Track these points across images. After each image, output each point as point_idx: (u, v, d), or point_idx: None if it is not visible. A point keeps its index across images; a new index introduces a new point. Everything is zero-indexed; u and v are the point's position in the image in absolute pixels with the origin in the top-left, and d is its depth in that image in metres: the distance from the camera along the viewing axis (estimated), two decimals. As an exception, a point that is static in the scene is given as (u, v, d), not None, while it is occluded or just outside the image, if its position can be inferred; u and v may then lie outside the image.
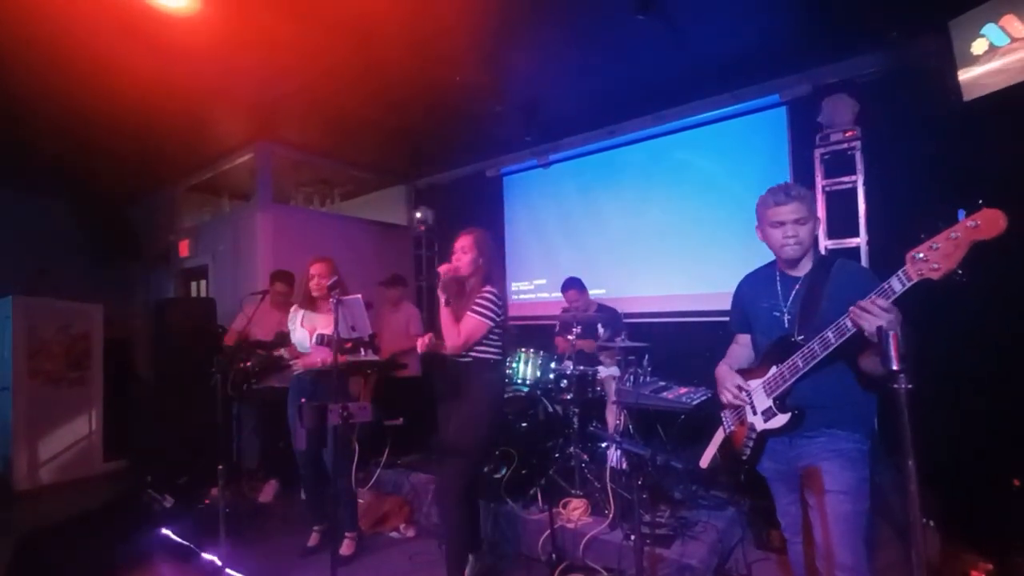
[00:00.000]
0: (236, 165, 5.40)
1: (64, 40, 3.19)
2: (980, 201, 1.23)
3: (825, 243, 3.55)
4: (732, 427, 1.89)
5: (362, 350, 2.62)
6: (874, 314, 1.39)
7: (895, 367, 0.96)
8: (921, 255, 1.32)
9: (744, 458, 1.81)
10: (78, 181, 5.81)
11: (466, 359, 2.49)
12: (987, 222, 1.23)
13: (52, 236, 6.18)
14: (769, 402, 1.72)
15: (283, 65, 3.63)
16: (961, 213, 1.29)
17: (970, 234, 1.25)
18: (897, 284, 1.40)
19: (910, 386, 0.95)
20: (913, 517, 0.92)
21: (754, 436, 1.78)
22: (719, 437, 1.94)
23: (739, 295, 1.98)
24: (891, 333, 0.96)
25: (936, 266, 1.29)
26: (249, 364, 3.78)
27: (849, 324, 1.49)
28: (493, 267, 2.57)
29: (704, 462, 1.96)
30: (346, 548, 3.07)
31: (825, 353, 1.56)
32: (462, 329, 2.42)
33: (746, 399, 1.79)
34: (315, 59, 3.55)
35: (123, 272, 6.68)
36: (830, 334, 1.54)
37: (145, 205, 6.61)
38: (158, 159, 5.32)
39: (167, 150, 5.10)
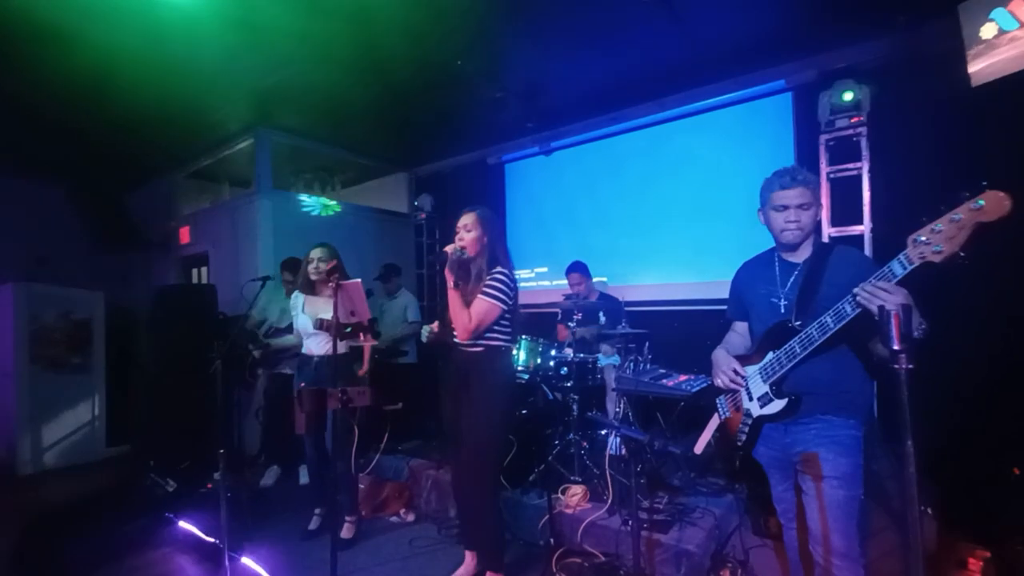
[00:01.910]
0: (236, 151, 5.38)
1: (63, 24, 3.16)
2: (984, 183, 1.20)
3: (829, 230, 3.52)
4: (728, 413, 1.89)
5: (361, 335, 2.61)
6: (881, 297, 1.37)
7: (896, 347, 0.95)
8: (923, 238, 1.29)
9: (739, 444, 1.81)
10: (78, 168, 5.80)
11: (475, 348, 2.35)
12: (991, 204, 1.20)
13: (53, 223, 6.17)
14: (766, 388, 1.72)
15: (282, 50, 3.59)
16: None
17: (974, 216, 1.22)
18: (898, 267, 1.38)
19: (911, 366, 0.94)
20: (910, 498, 0.92)
21: (750, 422, 1.78)
22: (714, 423, 1.93)
23: (737, 282, 1.97)
24: (892, 312, 0.95)
25: (938, 249, 1.26)
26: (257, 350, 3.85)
27: (848, 309, 1.47)
28: (498, 247, 2.41)
29: (699, 448, 1.96)
30: (346, 532, 3.09)
31: (823, 338, 1.55)
32: (473, 313, 2.26)
33: (741, 383, 1.78)
34: (314, 44, 3.52)
35: (124, 259, 6.68)
36: (828, 319, 1.53)
37: (145, 192, 6.59)
38: (158, 145, 5.30)
39: (166, 136, 5.07)
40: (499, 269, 2.33)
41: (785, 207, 1.70)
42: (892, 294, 1.36)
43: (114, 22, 3.15)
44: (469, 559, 2.58)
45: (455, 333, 2.36)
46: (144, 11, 3.05)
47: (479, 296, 2.29)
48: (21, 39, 3.30)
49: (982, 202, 1.20)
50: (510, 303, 2.32)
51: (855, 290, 1.44)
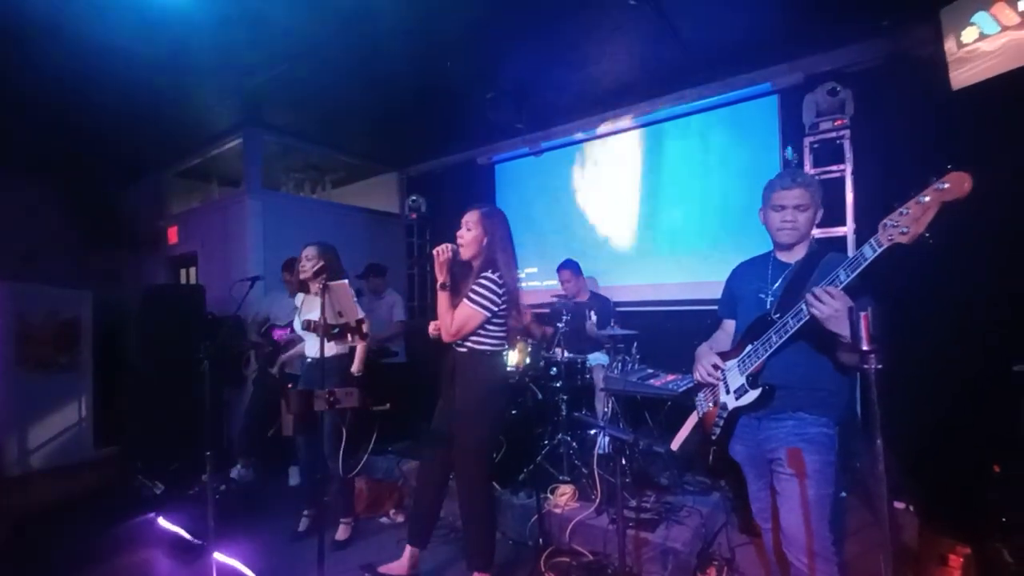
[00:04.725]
0: (225, 150, 5.34)
1: (50, 21, 3.13)
2: (949, 166, 1.27)
3: (813, 232, 3.54)
4: (707, 407, 1.91)
5: (349, 336, 2.60)
6: (817, 306, 1.44)
7: (865, 347, 0.97)
8: (892, 222, 1.36)
9: (713, 437, 1.83)
10: (66, 166, 5.75)
11: (463, 349, 2.35)
12: (954, 183, 1.28)
13: (40, 221, 6.10)
14: (742, 380, 1.74)
15: (272, 48, 3.58)
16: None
17: (939, 196, 1.29)
18: (868, 250, 1.43)
19: (880, 366, 0.96)
20: (880, 495, 0.94)
21: (725, 415, 1.80)
22: (692, 420, 1.95)
23: (731, 279, 2.00)
24: (862, 314, 0.97)
25: (905, 230, 1.33)
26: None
27: (804, 311, 1.51)
28: (499, 250, 2.32)
29: (675, 444, 1.98)
30: (341, 533, 3.09)
31: (798, 326, 1.57)
32: (456, 318, 2.26)
33: (719, 377, 1.81)
34: (304, 43, 3.51)
35: (112, 258, 6.63)
36: (803, 306, 1.55)
37: (134, 190, 6.54)
38: (146, 144, 5.27)
39: (155, 134, 5.04)
40: (486, 274, 2.27)
41: (783, 207, 1.74)
42: (826, 304, 1.44)
43: (103, 17, 3.12)
44: (408, 552, 2.55)
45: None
46: (133, 6, 3.03)
47: (463, 301, 2.27)
48: (8, 33, 3.26)
49: (947, 184, 1.28)
50: (496, 309, 2.27)
51: (806, 295, 1.50)
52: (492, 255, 2.32)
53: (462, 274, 2.36)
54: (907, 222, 1.33)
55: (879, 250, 1.40)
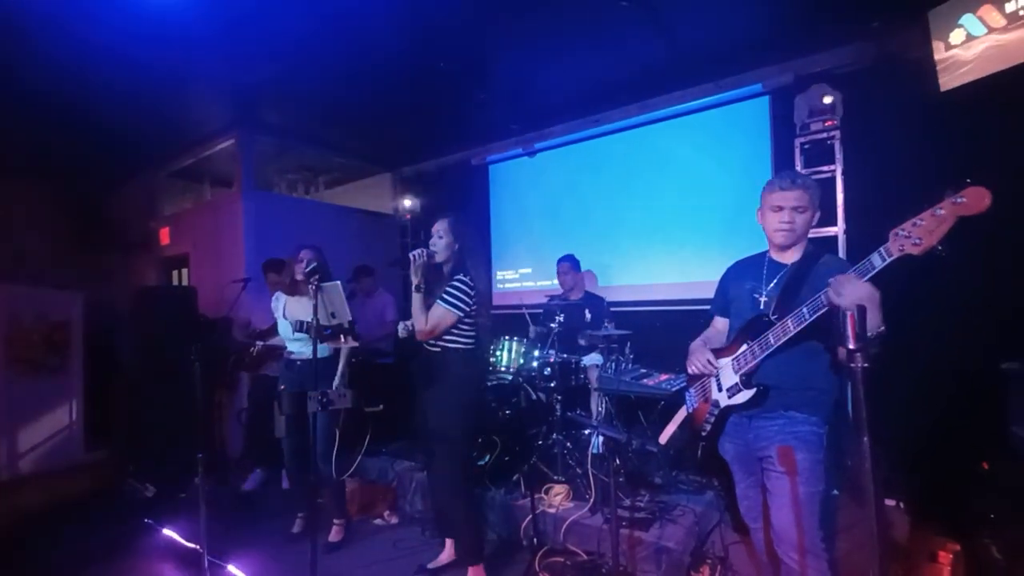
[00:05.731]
0: (218, 151, 5.31)
1: (40, 20, 3.10)
2: (968, 180, 1.25)
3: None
4: (695, 404, 1.92)
5: (342, 337, 2.60)
6: (843, 290, 1.41)
7: (852, 346, 0.98)
8: (904, 232, 1.34)
9: (704, 434, 1.84)
10: (57, 166, 5.69)
11: (436, 348, 2.47)
12: (972, 198, 1.26)
13: (31, 222, 6.05)
14: (736, 379, 1.75)
15: (265, 48, 3.57)
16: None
17: (955, 210, 1.27)
18: (877, 259, 1.41)
19: (865, 364, 0.98)
20: (867, 493, 0.95)
21: (716, 412, 1.81)
22: (681, 415, 1.97)
23: (725, 278, 2.01)
24: (848, 313, 0.99)
25: (918, 241, 1.31)
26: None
27: (824, 300, 1.50)
28: (468, 254, 2.52)
29: (663, 438, 2.00)
30: (335, 535, 3.09)
31: (797, 329, 1.58)
32: (429, 318, 2.39)
33: (714, 369, 1.82)
34: (298, 43, 3.50)
35: (104, 260, 6.58)
36: (805, 310, 1.56)
37: (125, 191, 6.49)
38: (138, 144, 5.22)
39: (147, 134, 5.00)
40: (459, 277, 2.42)
41: (781, 208, 1.75)
42: (855, 287, 1.40)
43: (95, 16, 3.10)
44: (448, 546, 2.68)
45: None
46: (126, 6, 3.01)
47: (437, 302, 2.40)
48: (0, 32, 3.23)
49: (964, 198, 1.26)
50: (467, 309, 2.41)
51: (829, 281, 1.47)
52: (462, 259, 2.50)
53: (435, 277, 2.51)
54: (920, 233, 1.31)
55: (888, 260, 1.39)
